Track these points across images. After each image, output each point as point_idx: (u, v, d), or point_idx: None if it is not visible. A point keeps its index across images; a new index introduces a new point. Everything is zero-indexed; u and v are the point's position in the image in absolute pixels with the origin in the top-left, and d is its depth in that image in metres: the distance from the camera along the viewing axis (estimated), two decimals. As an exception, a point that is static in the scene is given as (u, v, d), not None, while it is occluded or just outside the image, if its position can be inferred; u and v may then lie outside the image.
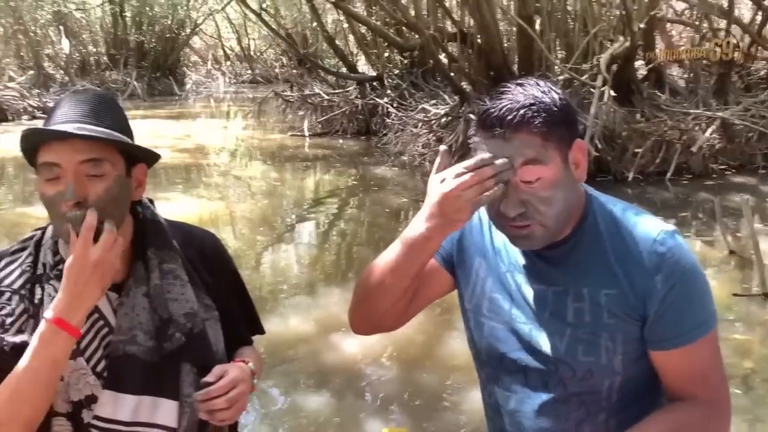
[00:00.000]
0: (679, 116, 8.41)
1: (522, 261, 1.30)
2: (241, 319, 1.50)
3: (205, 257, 1.42)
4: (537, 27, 8.91)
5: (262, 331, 1.58)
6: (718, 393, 1.25)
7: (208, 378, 1.24)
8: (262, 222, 6.95)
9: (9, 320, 1.23)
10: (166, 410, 1.28)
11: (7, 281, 1.27)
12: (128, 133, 1.29)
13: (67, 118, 1.22)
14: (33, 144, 1.23)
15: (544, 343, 1.25)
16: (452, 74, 10.09)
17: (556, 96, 1.20)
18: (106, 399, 1.25)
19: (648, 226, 1.24)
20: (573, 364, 1.23)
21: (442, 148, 1.24)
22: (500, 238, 1.32)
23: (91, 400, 1.25)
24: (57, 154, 1.19)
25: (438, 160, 1.22)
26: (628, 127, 7.99)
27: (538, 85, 1.21)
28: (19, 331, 1.24)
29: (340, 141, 11.71)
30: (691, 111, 8.54)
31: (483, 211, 1.35)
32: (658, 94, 8.96)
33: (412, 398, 3.30)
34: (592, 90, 7.80)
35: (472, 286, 1.35)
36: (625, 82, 8.37)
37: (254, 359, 1.42)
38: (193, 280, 1.36)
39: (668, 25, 11.02)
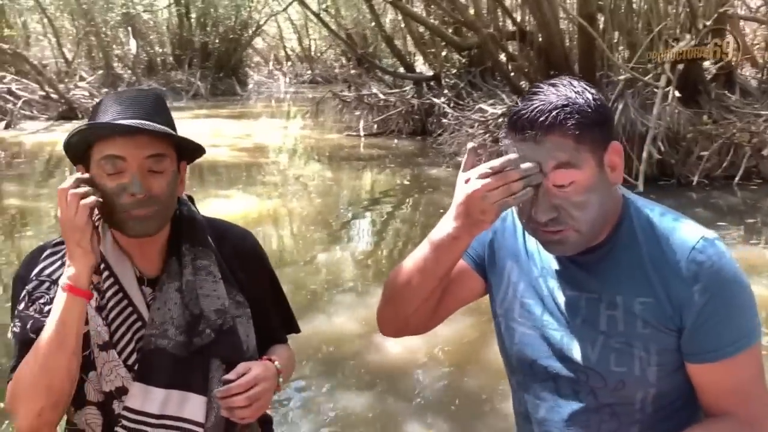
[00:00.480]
0: (750, 118, 8.03)
1: (555, 266, 1.26)
2: (275, 317, 1.51)
3: (240, 255, 1.44)
4: (601, 25, 8.69)
5: (297, 330, 1.59)
6: (758, 411, 1.19)
7: (230, 375, 1.26)
8: (316, 220, 7.02)
9: (46, 309, 1.28)
10: (194, 405, 1.30)
11: (47, 271, 1.32)
12: (176, 130, 1.34)
13: (127, 116, 1.25)
14: (89, 139, 1.26)
15: (575, 350, 1.22)
16: (511, 74, 9.94)
17: (590, 96, 1.16)
18: (136, 391, 1.28)
19: (687, 233, 1.19)
20: (604, 374, 1.19)
21: (470, 145, 1.22)
22: (533, 242, 1.29)
23: (122, 391, 1.29)
24: (122, 148, 1.23)
25: (465, 157, 1.19)
26: (694, 129, 7.68)
27: (571, 84, 1.17)
28: None
29: (395, 141, 11.71)
30: (763, 112, 8.14)
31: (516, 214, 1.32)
32: (728, 94, 8.58)
33: (453, 403, 3.25)
34: (656, 90, 7.55)
35: (503, 291, 1.33)
36: (691, 82, 8.06)
37: (284, 358, 1.43)
38: (226, 277, 1.38)
39: (741, 23, 10.55)
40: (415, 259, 1.26)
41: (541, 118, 1.12)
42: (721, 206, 7.00)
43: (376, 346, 3.77)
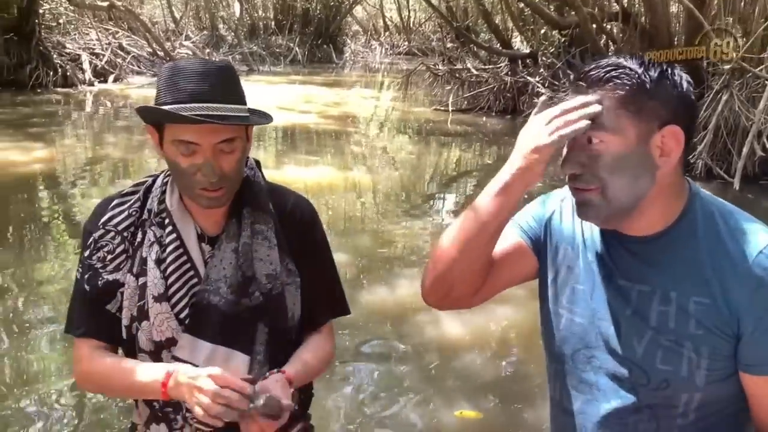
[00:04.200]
0: None
1: (610, 254, 1.22)
2: (321, 292, 1.47)
3: (296, 224, 1.45)
4: (713, 10, 8.14)
5: (346, 312, 1.54)
6: None
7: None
8: (397, 193, 7.05)
9: (109, 257, 1.36)
10: (237, 363, 1.34)
11: (113, 222, 1.38)
12: (245, 101, 1.35)
13: (197, 97, 1.26)
14: (161, 120, 1.29)
15: (620, 343, 1.17)
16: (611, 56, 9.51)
17: (659, 72, 1.11)
18: (184, 342, 1.33)
19: (754, 235, 1.12)
20: (648, 371, 1.15)
21: (543, 98, 1.21)
22: (590, 229, 1.26)
23: (171, 342, 1.34)
24: (195, 134, 1.26)
25: (535, 109, 1.19)
26: (807, 127, 7.12)
27: (650, 61, 1.14)
28: (116, 269, 1.36)
29: (484, 118, 11.51)
30: None
31: (574, 202, 1.28)
32: None
33: (505, 386, 3.23)
34: (767, 83, 7.03)
35: (554, 274, 1.29)
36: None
37: (313, 353, 1.42)
38: (281, 244, 1.40)
39: None
40: (464, 216, 1.22)
41: (592, 73, 1.12)
42: (828, 213, 6.49)
43: (436, 323, 3.77)
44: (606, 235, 1.23)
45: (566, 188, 1.33)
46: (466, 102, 12.26)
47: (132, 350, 1.37)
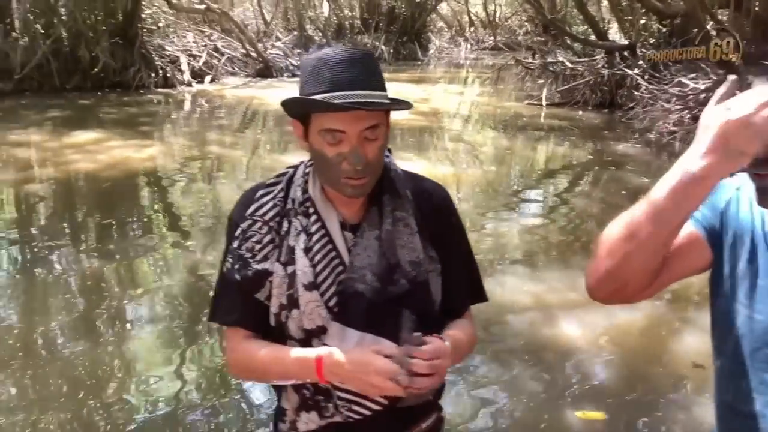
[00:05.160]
0: None
1: None
2: (461, 279, 1.46)
3: (433, 210, 1.43)
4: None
5: (484, 298, 1.53)
6: None
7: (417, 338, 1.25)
8: (488, 189, 6.94)
9: (257, 247, 1.36)
10: None
11: (260, 212, 1.38)
12: (386, 88, 1.33)
13: (344, 85, 1.25)
14: (308, 109, 1.30)
15: None
16: (719, 45, 8.98)
17: None
18: (333, 331, 1.32)
19: None
20: None
21: (732, 76, 1.07)
22: None
23: (321, 330, 1.33)
24: (341, 122, 1.26)
25: (721, 89, 1.05)
26: None
27: None
28: (265, 259, 1.36)
29: (580, 112, 11.16)
30: None
31: (753, 189, 1.16)
32: None
33: (631, 388, 3.08)
34: None
35: (730, 266, 1.17)
36: None
37: (461, 337, 1.40)
38: (421, 230, 1.38)
39: None
40: (643, 208, 1.10)
41: None
42: None
43: (547, 322, 3.66)
44: None
45: (739, 177, 1.21)
46: (559, 96, 11.93)
47: (280, 338, 1.37)
